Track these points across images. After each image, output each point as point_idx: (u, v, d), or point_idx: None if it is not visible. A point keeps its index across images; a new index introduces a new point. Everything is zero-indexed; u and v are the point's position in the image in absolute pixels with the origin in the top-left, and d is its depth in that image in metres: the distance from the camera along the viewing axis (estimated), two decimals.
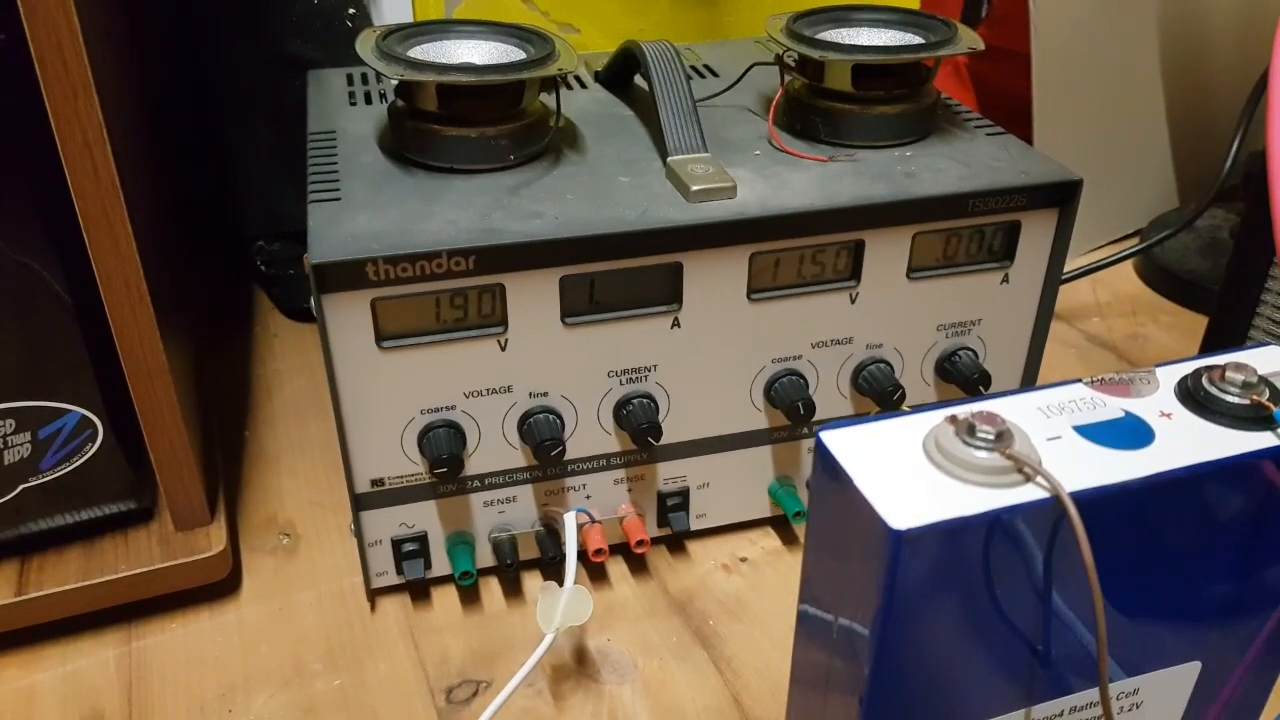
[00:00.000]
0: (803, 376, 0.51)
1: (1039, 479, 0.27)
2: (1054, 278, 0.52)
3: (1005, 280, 0.52)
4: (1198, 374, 0.31)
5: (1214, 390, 0.30)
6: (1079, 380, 0.31)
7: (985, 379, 0.52)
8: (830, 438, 0.29)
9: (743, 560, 0.54)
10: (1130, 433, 0.29)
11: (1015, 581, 0.29)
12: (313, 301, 0.43)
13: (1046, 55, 0.73)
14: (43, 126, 0.40)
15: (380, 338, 0.45)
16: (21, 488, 0.47)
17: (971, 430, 0.28)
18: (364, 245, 0.43)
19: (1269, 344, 0.34)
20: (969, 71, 0.85)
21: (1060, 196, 0.50)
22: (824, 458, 0.29)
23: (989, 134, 0.54)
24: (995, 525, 0.27)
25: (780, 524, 0.56)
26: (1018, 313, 0.53)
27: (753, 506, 0.55)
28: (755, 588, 0.53)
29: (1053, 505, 0.27)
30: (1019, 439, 0.28)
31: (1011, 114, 0.75)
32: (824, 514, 0.30)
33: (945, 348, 0.53)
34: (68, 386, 0.46)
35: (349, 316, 0.44)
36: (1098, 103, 0.78)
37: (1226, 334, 0.56)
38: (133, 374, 0.46)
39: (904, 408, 0.52)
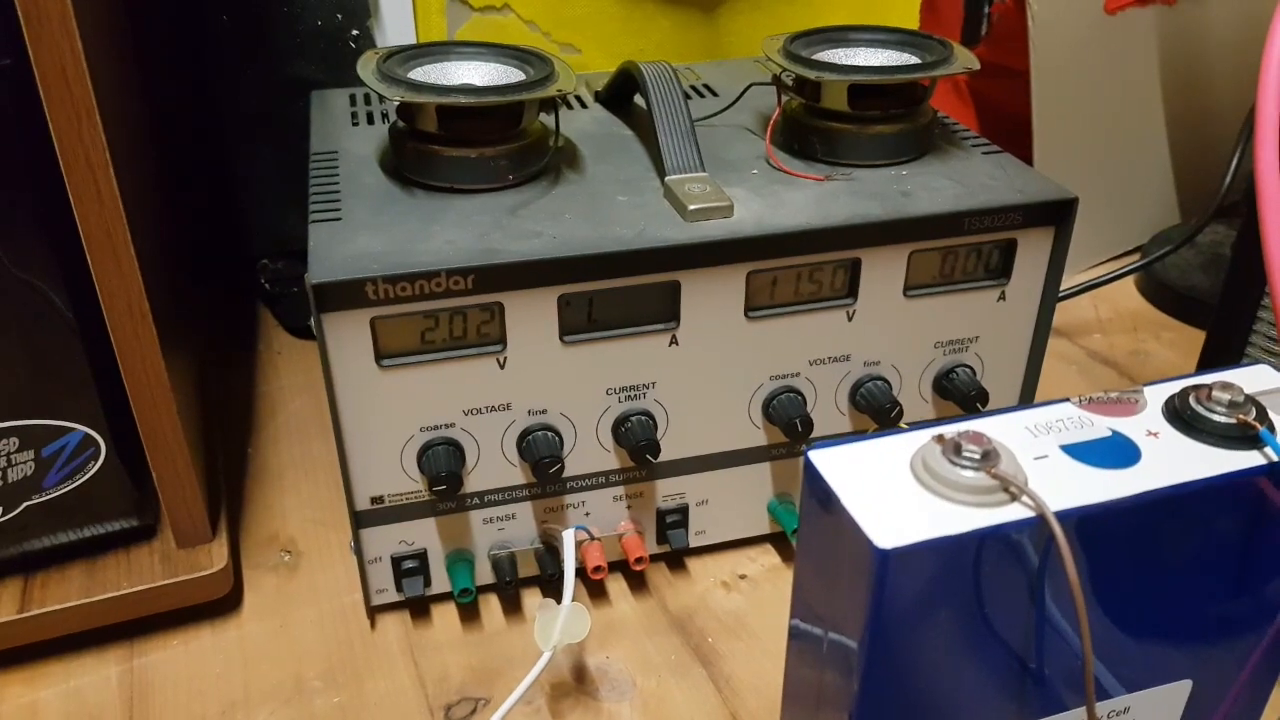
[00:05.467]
0: (801, 394, 0.51)
1: (1024, 498, 0.27)
2: (1051, 295, 0.53)
3: (1002, 298, 0.52)
4: (1185, 393, 0.31)
5: (1201, 409, 0.30)
6: (1067, 399, 0.32)
7: (983, 396, 0.53)
8: (818, 457, 0.29)
9: (742, 577, 0.55)
10: (1117, 452, 0.29)
11: (1003, 599, 0.29)
12: (313, 320, 0.43)
13: (1046, 73, 0.73)
14: (47, 148, 0.41)
15: (380, 356, 0.45)
16: (25, 505, 0.48)
17: (958, 450, 0.28)
18: (364, 265, 0.43)
19: (1262, 362, 0.34)
20: (969, 90, 0.85)
21: (1056, 214, 0.50)
22: (812, 477, 0.29)
23: (985, 152, 0.55)
24: (982, 544, 0.27)
25: (780, 541, 0.57)
26: (1015, 330, 0.53)
27: (752, 523, 0.55)
28: (755, 605, 0.53)
29: (1039, 524, 0.27)
30: (1005, 458, 0.28)
31: (1012, 132, 0.76)
32: (813, 532, 0.30)
33: (943, 365, 0.53)
34: (71, 405, 0.47)
35: (349, 335, 0.44)
36: (1098, 119, 0.78)
37: (1223, 350, 0.56)
38: (135, 392, 0.46)
39: (902, 425, 0.52)
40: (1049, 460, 0.29)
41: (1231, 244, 0.56)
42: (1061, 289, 0.54)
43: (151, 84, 0.63)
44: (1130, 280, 0.82)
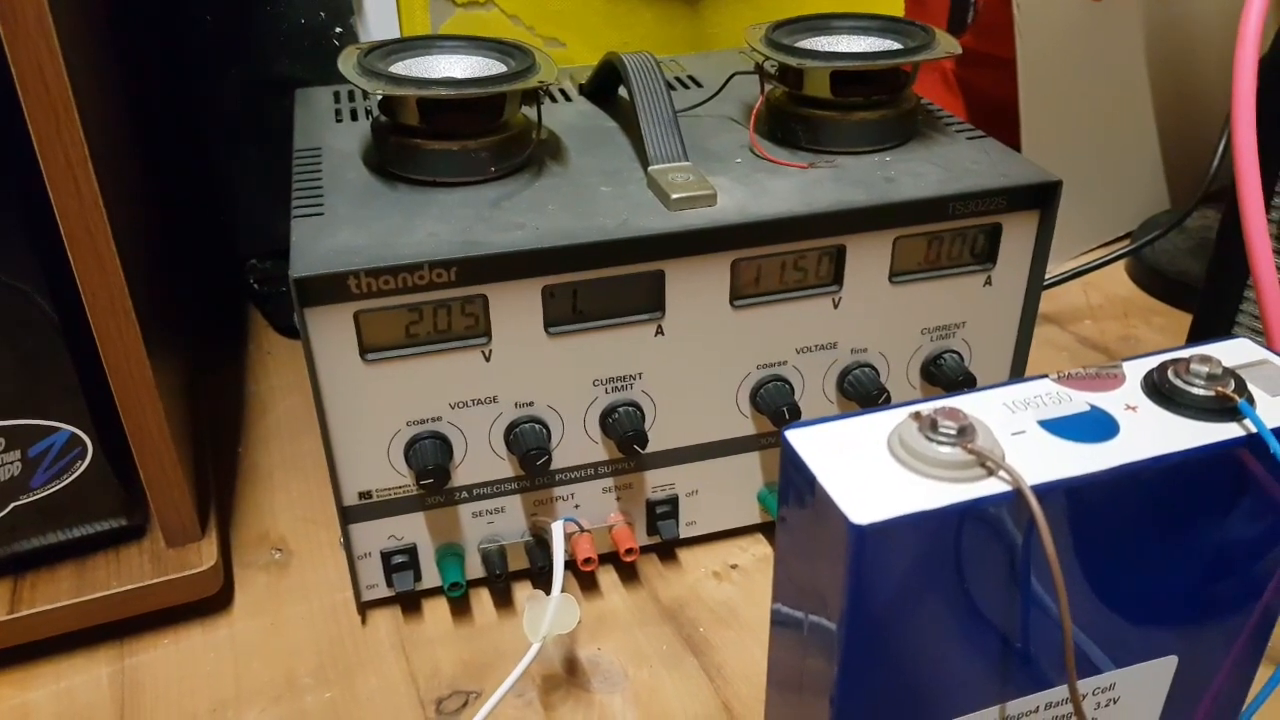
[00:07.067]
0: (788, 382, 0.51)
1: (1001, 473, 0.27)
2: (1037, 279, 0.52)
3: (988, 283, 0.52)
4: (1163, 367, 0.31)
5: (1179, 383, 0.30)
6: (1045, 376, 0.31)
7: (970, 381, 0.53)
8: (796, 436, 0.29)
9: (733, 567, 0.55)
10: (1095, 426, 0.29)
11: (983, 576, 0.29)
12: (295, 315, 0.43)
13: (1032, 60, 0.73)
14: (26, 147, 0.41)
15: (364, 350, 0.45)
16: (12, 505, 0.48)
17: (934, 426, 0.28)
18: (346, 259, 0.43)
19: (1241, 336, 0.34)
20: (956, 78, 0.85)
21: (1040, 198, 0.50)
22: (790, 456, 0.29)
23: (969, 138, 0.55)
24: (960, 520, 0.27)
25: (770, 530, 0.56)
26: (1002, 315, 0.53)
27: (742, 513, 0.55)
28: (746, 594, 0.53)
29: (1017, 499, 0.27)
30: (982, 434, 0.28)
31: (1000, 119, 0.76)
32: (793, 512, 0.30)
33: (930, 351, 0.53)
34: (56, 404, 0.47)
35: (332, 330, 0.44)
36: (1085, 106, 0.78)
37: (1210, 332, 0.56)
38: (120, 391, 0.46)
39: None
40: (1026, 435, 0.29)
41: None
42: (1051, 275, 0.54)
43: (134, 84, 0.63)
44: (1120, 266, 0.82)
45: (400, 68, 0.50)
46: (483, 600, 0.53)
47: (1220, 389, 0.30)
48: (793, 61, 0.51)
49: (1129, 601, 0.32)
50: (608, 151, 0.54)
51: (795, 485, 0.29)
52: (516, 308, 0.46)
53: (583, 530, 0.52)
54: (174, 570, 0.50)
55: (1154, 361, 0.32)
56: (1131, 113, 0.82)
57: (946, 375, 0.52)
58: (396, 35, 0.68)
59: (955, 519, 0.27)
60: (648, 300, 0.48)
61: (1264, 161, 0.43)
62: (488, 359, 0.47)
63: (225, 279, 0.77)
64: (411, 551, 0.50)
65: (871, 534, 0.26)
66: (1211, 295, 0.55)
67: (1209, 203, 0.74)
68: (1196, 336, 0.58)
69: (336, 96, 0.61)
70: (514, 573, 0.52)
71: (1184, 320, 0.75)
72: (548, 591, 0.46)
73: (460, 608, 0.52)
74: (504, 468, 0.50)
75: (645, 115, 0.51)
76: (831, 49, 0.54)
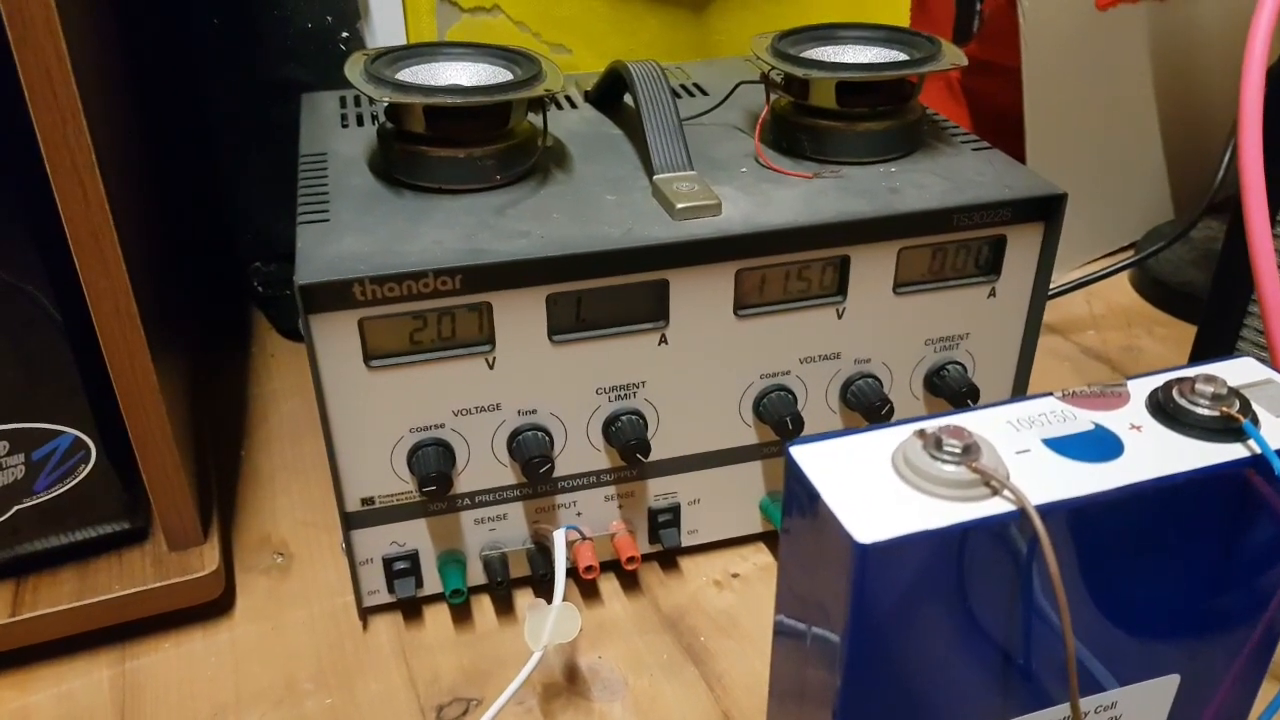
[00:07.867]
0: (791, 392, 0.51)
1: (1005, 492, 0.27)
2: (1041, 291, 0.52)
3: (992, 294, 0.52)
4: (1168, 386, 0.31)
5: (1184, 402, 0.30)
6: (1050, 394, 0.31)
7: (974, 393, 0.53)
8: (800, 453, 0.29)
9: (734, 576, 0.55)
10: (1099, 445, 0.29)
11: (987, 594, 0.29)
12: (300, 322, 0.43)
13: (1037, 69, 0.73)
14: (33, 151, 0.41)
15: (368, 357, 0.45)
16: (16, 509, 0.48)
17: (939, 444, 0.28)
18: (351, 266, 0.43)
19: (1247, 355, 0.34)
20: (961, 87, 0.85)
21: (1045, 210, 0.50)
22: (794, 472, 0.29)
23: (974, 149, 0.55)
24: (963, 538, 0.27)
25: (772, 539, 0.56)
26: (1006, 326, 0.53)
27: (744, 522, 0.55)
28: (747, 603, 0.53)
29: (1020, 518, 0.27)
30: (986, 452, 0.28)
31: (1005, 128, 0.76)
32: (796, 527, 0.30)
33: (934, 362, 0.53)
34: (60, 408, 0.47)
35: (337, 336, 0.44)
36: (1090, 116, 0.78)
37: (1214, 346, 0.56)
38: (124, 395, 0.46)
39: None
40: (1031, 454, 0.29)
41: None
42: (1055, 285, 0.54)
43: (141, 87, 0.63)
44: (1124, 276, 0.82)
45: (407, 75, 0.50)
46: (484, 607, 0.53)
47: (1225, 409, 0.30)
48: (798, 72, 0.51)
49: (1132, 620, 0.32)
50: (612, 159, 0.54)
51: (799, 501, 0.29)
52: (520, 316, 0.46)
53: (584, 538, 0.52)
54: (176, 574, 0.50)
55: (1158, 380, 0.32)
56: (1136, 121, 0.82)
57: (950, 386, 0.52)
58: (403, 40, 0.68)
59: (959, 538, 0.27)
60: (651, 309, 0.48)
61: (1270, 176, 0.43)
62: (491, 366, 0.47)
63: (228, 281, 0.77)
64: (413, 558, 0.50)
65: (875, 553, 0.26)
66: (1216, 309, 0.55)
67: (1213, 213, 0.74)
68: (1200, 349, 0.57)
69: (342, 101, 0.61)
70: (515, 580, 0.52)
71: (1188, 331, 0.75)
72: (549, 599, 0.46)
73: (461, 614, 0.52)
74: (506, 475, 0.50)
75: (650, 124, 0.51)
76: (837, 59, 0.54)
